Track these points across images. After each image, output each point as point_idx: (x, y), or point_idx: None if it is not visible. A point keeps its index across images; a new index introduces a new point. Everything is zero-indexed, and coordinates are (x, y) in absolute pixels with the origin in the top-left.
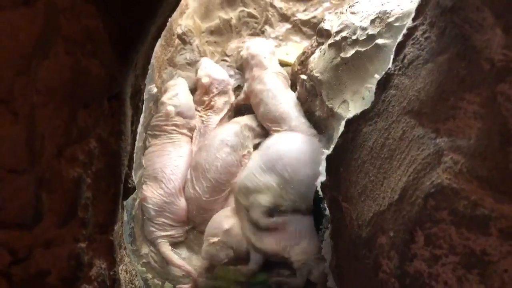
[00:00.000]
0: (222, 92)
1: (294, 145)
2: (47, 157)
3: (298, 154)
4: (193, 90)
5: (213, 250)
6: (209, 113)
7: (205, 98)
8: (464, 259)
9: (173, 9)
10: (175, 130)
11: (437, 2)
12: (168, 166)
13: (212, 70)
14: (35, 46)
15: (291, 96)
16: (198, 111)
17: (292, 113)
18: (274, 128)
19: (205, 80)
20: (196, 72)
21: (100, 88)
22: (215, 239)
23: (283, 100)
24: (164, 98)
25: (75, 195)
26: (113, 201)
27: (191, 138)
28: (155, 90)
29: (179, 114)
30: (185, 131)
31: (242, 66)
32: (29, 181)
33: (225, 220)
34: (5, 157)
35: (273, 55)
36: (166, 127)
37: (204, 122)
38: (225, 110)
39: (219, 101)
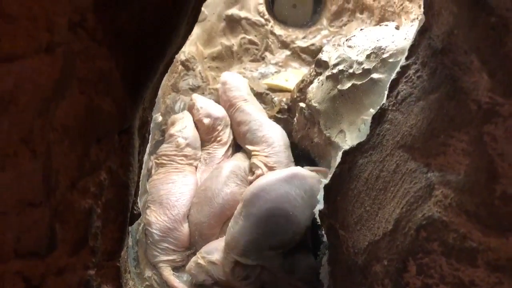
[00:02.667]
0: (225, 126)
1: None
2: (61, 190)
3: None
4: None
5: (194, 268)
6: (215, 146)
7: (210, 136)
8: None
9: (180, 47)
10: (183, 161)
11: (429, 43)
12: (173, 193)
13: (210, 109)
14: (54, 89)
15: (278, 127)
16: (204, 145)
17: (276, 141)
18: (254, 153)
19: (206, 121)
20: (190, 109)
21: (111, 124)
22: (201, 262)
23: (269, 128)
24: (173, 131)
25: (86, 225)
26: (120, 229)
27: (196, 168)
28: (160, 118)
29: (188, 145)
30: (192, 161)
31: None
32: (44, 213)
33: (216, 251)
34: (24, 192)
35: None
36: (175, 157)
37: (211, 153)
38: (230, 142)
39: (224, 135)
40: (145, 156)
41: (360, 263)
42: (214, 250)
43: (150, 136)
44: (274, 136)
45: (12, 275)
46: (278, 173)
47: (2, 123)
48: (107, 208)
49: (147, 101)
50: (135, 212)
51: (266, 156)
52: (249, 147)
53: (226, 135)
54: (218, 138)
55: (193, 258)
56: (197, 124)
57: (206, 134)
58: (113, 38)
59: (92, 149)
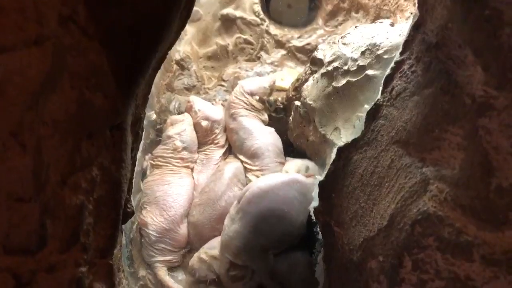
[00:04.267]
0: (222, 129)
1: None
2: (52, 185)
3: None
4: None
5: (197, 264)
6: (212, 148)
7: (208, 139)
8: (449, 284)
9: (172, 43)
10: (179, 163)
11: (423, 38)
12: (169, 194)
13: (208, 111)
14: (44, 82)
15: (268, 131)
16: (201, 147)
17: (266, 152)
18: (247, 166)
19: (204, 123)
20: (188, 111)
21: (103, 119)
22: (203, 256)
23: (259, 137)
24: (171, 132)
25: (77, 221)
26: (113, 226)
27: (191, 170)
28: (154, 116)
29: (185, 149)
30: (188, 164)
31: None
32: (34, 209)
33: (218, 247)
34: (13, 186)
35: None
36: (171, 159)
37: (208, 155)
38: (227, 144)
39: (222, 138)
40: (139, 154)
41: (355, 259)
42: (217, 245)
43: (143, 133)
44: (264, 147)
45: (1, 271)
46: (278, 176)
47: None
48: (99, 204)
49: (140, 97)
50: (128, 210)
51: (259, 170)
52: (241, 157)
53: (224, 138)
54: (216, 141)
55: (196, 254)
56: (195, 126)
57: (204, 137)
58: (105, 33)
59: (83, 144)
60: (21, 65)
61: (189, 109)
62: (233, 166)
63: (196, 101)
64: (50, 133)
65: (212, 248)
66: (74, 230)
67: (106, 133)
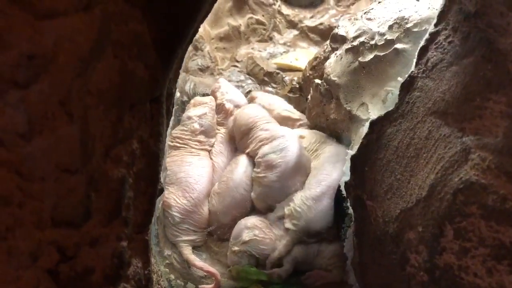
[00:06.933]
0: None
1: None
2: (97, 157)
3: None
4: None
5: (235, 258)
6: None
7: (227, 121)
8: (493, 251)
9: (206, 15)
10: (197, 145)
11: (460, 8)
12: (191, 175)
13: (233, 95)
14: (92, 50)
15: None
16: (219, 129)
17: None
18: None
19: (228, 105)
20: (214, 92)
21: (144, 91)
22: (236, 248)
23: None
24: (192, 113)
25: (119, 194)
26: (150, 201)
27: (209, 152)
28: (178, 94)
29: (203, 133)
30: (206, 147)
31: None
32: (81, 180)
33: (245, 232)
34: (61, 157)
35: None
36: (189, 141)
37: (224, 137)
38: None
39: None
40: (168, 130)
41: (391, 231)
42: (238, 235)
43: (173, 108)
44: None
45: (47, 245)
46: None
47: (43, 83)
48: (138, 178)
49: (172, 71)
50: (158, 187)
51: None
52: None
53: None
54: None
55: (228, 252)
56: (218, 107)
57: (224, 118)
58: (146, 1)
59: (126, 116)
60: (72, 31)
61: (215, 90)
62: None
63: (224, 84)
64: (95, 103)
65: (234, 245)
66: (117, 204)
67: (146, 106)
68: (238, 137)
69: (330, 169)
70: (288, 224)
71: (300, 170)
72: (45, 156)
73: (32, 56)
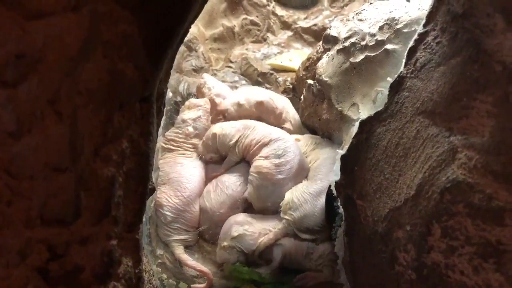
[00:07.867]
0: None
1: None
2: (86, 156)
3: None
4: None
5: (224, 254)
6: None
7: (219, 117)
8: (480, 249)
9: (197, 15)
10: (190, 148)
11: (448, 9)
12: (183, 175)
13: (220, 89)
14: (80, 49)
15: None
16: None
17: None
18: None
19: (218, 100)
20: (200, 88)
21: (133, 90)
22: (225, 243)
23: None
24: (186, 117)
25: (109, 193)
26: (140, 200)
27: None
28: (170, 94)
29: (197, 136)
30: None
31: None
32: (70, 179)
33: (234, 227)
34: (51, 156)
35: None
36: (183, 144)
37: None
38: None
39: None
40: (160, 130)
41: (380, 230)
42: (228, 231)
43: (164, 108)
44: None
45: (36, 243)
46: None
47: (31, 82)
48: (128, 177)
49: (163, 72)
50: (149, 186)
51: None
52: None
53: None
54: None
55: (217, 249)
56: (211, 106)
57: (216, 114)
58: (136, 2)
59: (115, 115)
60: (60, 31)
61: (202, 86)
62: None
63: (209, 79)
64: (84, 102)
65: (223, 240)
66: (106, 202)
67: (136, 105)
68: (225, 151)
69: (327, 171)
70: (283, 214)
71: (301, 172)
72: (34, 155)
73: (20, 55)
